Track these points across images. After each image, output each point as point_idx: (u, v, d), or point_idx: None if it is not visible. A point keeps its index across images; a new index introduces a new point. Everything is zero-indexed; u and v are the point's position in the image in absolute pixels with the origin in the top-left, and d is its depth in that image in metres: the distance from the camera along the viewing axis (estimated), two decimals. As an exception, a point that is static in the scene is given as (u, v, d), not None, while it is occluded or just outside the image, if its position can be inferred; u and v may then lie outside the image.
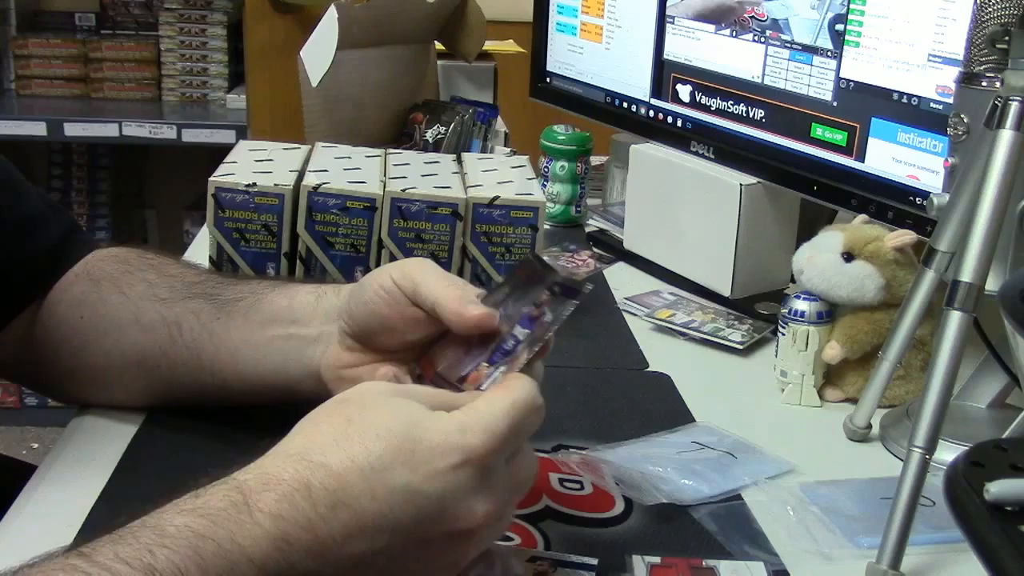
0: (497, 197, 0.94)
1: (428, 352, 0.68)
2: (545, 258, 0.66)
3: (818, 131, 1.03)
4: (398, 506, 0.51)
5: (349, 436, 0.52)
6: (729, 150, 1.13)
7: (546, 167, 1.37)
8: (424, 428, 0.53)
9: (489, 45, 1.54)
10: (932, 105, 0.91)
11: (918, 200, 0.92)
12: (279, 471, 0.51)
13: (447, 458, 0.52)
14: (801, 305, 0.91)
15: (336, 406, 0.55)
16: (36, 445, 2.70)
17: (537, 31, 1.44)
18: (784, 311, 0.92)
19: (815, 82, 1.02)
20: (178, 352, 0.76)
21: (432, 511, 0.52)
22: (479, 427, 0.54)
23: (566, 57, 1.39)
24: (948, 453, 0.64)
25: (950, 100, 0.87)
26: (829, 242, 0.91)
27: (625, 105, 1.29)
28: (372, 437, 0.52)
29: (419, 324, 0.67)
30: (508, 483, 0.55)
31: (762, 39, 1.08)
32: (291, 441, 0.53)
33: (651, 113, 1.25)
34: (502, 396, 0.56)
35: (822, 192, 1.02)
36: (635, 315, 1.07)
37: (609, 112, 1.32)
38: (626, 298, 1.11)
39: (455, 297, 0.64)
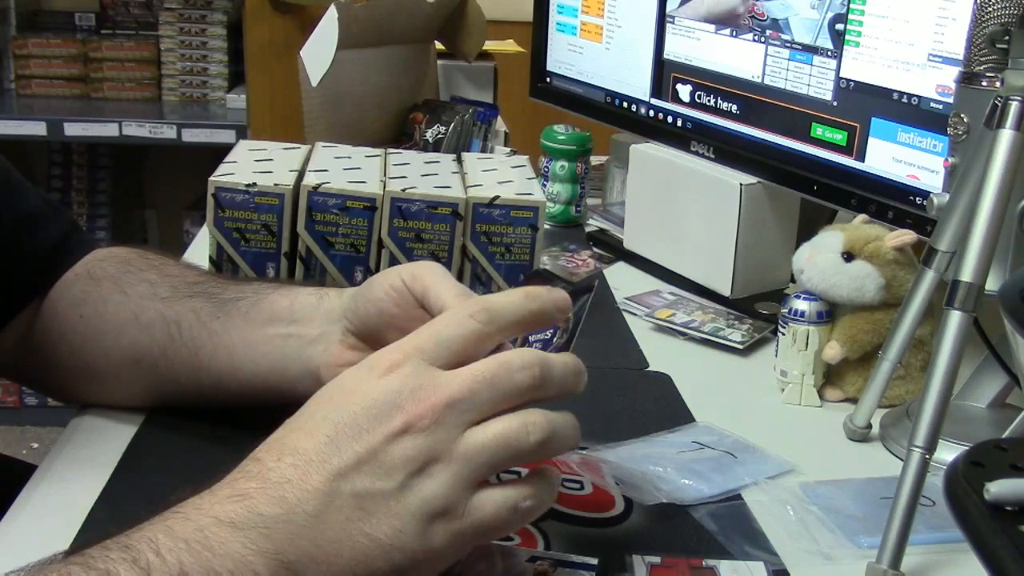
0: (497, 197, 0.94)
1: None
2: (547, 268, 0.67)
3: (818, 131, 1.03)
4: (330, 431, 0.53)
5: (294, 416, 0.56)
6: (729, 150, 1.13)
7: (546, 167, 1.37)
8: (355, 366, 0.56)
9: (489, 45, 1.54)
10: (932, 105, 0.91)
11: (918, 200, 0.92)
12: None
13: (362, 373, 0.55)
14: (801, 305, 0.91)
15: (316, 397, 0.57)
16: (36, 445, 2.70)
17: (537, 31, 1.44)
18: (784, 311, 0.92)
19: (815, 82, 1.02)
20: (177, 351, 0.76)
21: (358, 412, 0.53)
22: (406, 341, 0.56)
23: (566, 57, 1.39)
24: (948, 453, 0.64)
25: (950, 100, 0.87)
26: (829, 242, 0.91)
27: (625, 105, 1.29)
28: (309, 402, 0.56)
29: (421, 318, 0.67)
30: (445, 388, 0.53)
31: (762, 39, 1.08)
32: None
33: (651, 113, 1.25)
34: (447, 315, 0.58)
35: (822, 192, 1.02)
36: (635, 315, 1.07)
37: (609, 112, 1.32)
38: (626, 298, 1.11)
39: (458, 299, 0.64)
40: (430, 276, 0.65)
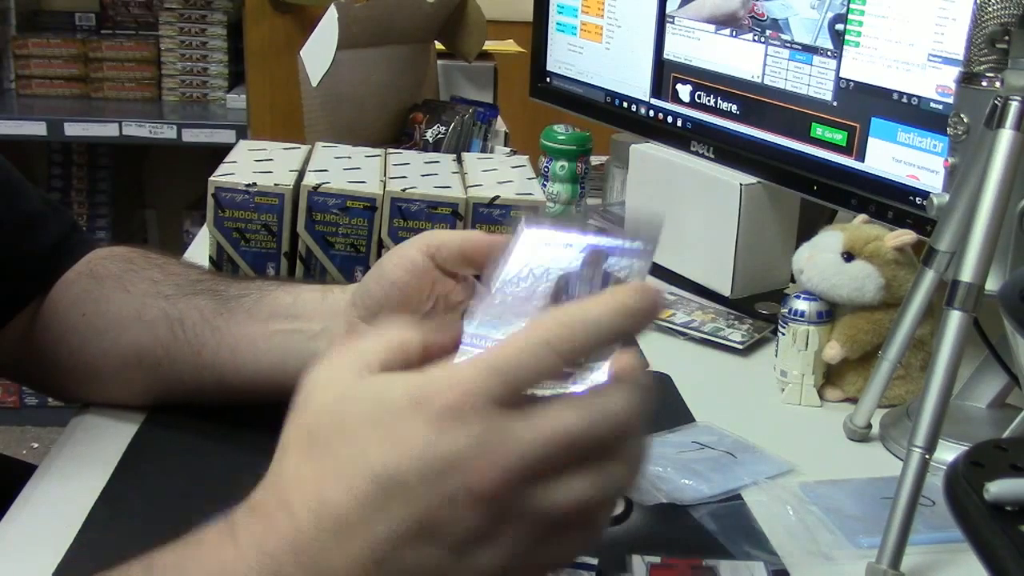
0: (497, 197, 0.94)
1: None
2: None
3: (818, 131, 1.03)
4: (372, 487, 0.43)
5: (307, 431, 0.46)
6: (729, 150, 1.13)
7: (546, 167, 1.37)
8: (389, 382, 0.44)
9: (489, 45, 1.54)
10: (932, 105, 0.91)
11: (918, 200, 0.92)
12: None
13: (409, 410, 0.43)
14: (801, 305, 0.91)
15: (301, 415, 0.47)
16: (36, 445, 2.70)
17: (537, 31, 1.44)
18: (784, 311, 0.92)
19: (815, 82, 1.02)
20: (180, 348, 0.76)
21: (408, 470, 0.42)
22: (469, 376, 0.43)
23: (566, 57, 1.39)
24: (948, 453, 0.64)
25: (950, 100, 0.87)
26: (829, 242, 0.91)
27: (625, 105, 1.29)
28: (320, 411, 0.46)
29: (434, 293, 0.69)
30: (518, 451, 0.42)
31: (762, 39, 1.08)
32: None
33: (651, 113, 1.25)
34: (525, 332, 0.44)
35: (822, 192, 1.02)
36: (635, 315, 1.07)
37: (609, 112, 1.32)
38: (626, 298, 1.11)
39: (479, 234, 0.65)
40: (440, 233, 0.68)
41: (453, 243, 0.67)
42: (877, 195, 0.96)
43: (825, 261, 0.90)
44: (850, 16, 0.97)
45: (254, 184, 0.91)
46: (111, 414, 0.80)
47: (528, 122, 1.55)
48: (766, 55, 1.08)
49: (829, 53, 1.00)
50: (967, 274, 0.69)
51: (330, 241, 0.93)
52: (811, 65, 1.03)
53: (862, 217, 0.96)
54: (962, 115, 0.76)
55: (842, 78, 0.99)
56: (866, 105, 0.97)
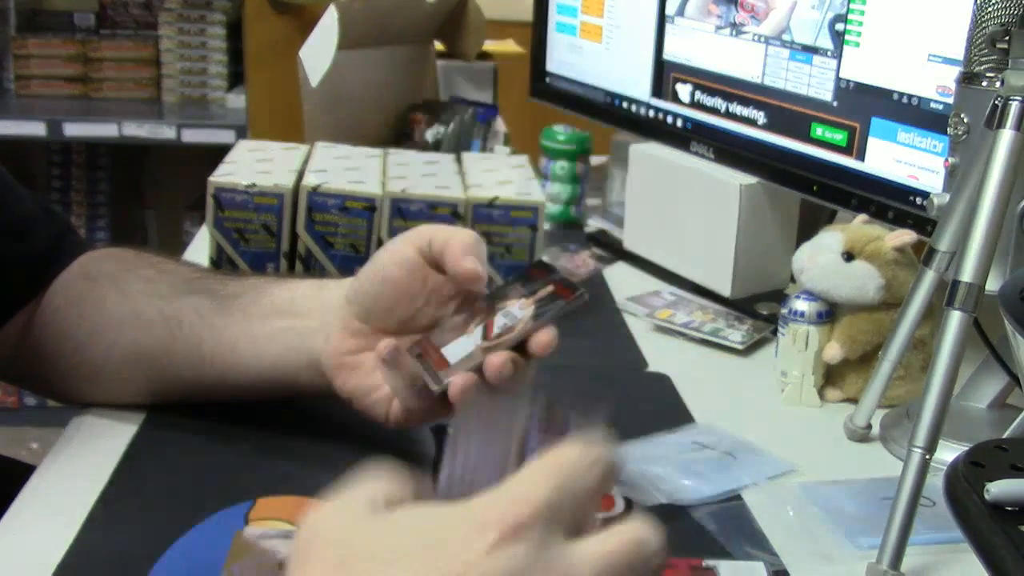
0: (497, 197, 0.94)
1: (427, 334, 0.70)
2: (547, 260, 0.68)
3: (818, 131, 1.03)
4: None
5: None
6: (729, 150, 1.13)
7: (546, 167, 1.37)
8: (443, 511, 0.43)
9: (489, 45, 1.55)
10: (932, 105, 0.91)
11: (918, 200, 0.92)
12: None
13: (462, 529, 0.41)
14: (801, 305, 0.91)
15: (319, 550, 0.42)
16: (36, 445, 2.69)
17: (537, 31, 1.44)
18: (784, 311, 0.92)
19: (815, 82, 1.02)
20: (178, 347, 0.76)
21: None
22: (530, 491, 0.42)
23: (566, 57, 1.39)
24: (948, 453, 0.64)
25: (950, 100, 0.87)
26: (829, 242, 0.91)
27: (625, 105, 1.29)
28: (373, 538, 0.42)
29: (427, 288, 0.70)
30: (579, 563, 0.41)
31: (762, 39, 1.08)
32: None
33: (651, 113, 1.25)
34: (535, 467, 0.43)
35: (822, 192, 1.02)
36: (635, 315, 1.07)
37: (609, 112, 1.32)
38: (626, 298, 1.11)
39: (462, 246, 0.67)
40: (433, 228, 0.69)
41: (439, 240, 0.68)
42: (877, 195, 0.96)
43: (825, 261, 0.90)
44: (850, 16, 0.97)
45: (254, 184, 0.91)
46: (111, 414, 0.80)
47: (528, 122, 1.55)
48: (766, 55, 1.08)
49: (829, 53, 1.00)
50: (967, 274, 0.69)
51: (330, 241, 0.93)
52: (811, 65, 1.03)
53: (862, 217, 0.96)
54: (962, 115, 0.76)
55: (842, 78, 0.99)
56: (866, 105, 0.97)
